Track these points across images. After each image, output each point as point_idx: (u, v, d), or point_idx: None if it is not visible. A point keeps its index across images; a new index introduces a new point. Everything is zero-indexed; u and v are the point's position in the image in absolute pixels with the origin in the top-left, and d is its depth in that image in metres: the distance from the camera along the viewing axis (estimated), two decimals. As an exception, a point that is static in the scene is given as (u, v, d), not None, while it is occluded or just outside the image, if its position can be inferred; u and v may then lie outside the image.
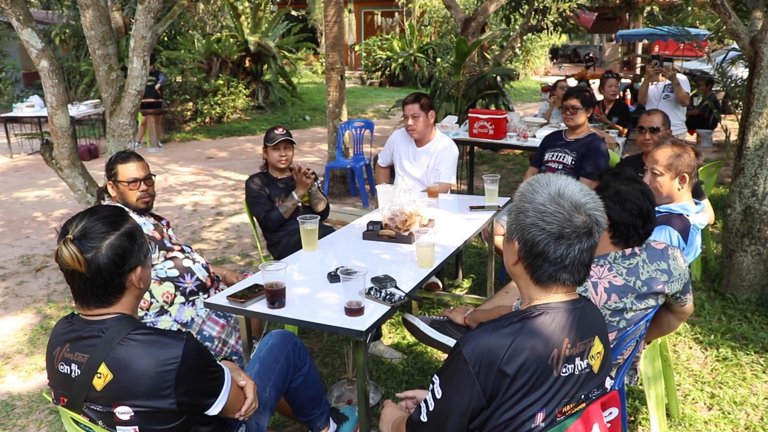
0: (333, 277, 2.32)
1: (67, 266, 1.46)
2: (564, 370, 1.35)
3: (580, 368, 1.38)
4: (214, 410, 1.57)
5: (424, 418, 1.42)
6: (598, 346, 1.43)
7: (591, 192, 1.43)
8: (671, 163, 2.48)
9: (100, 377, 1.44)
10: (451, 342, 2.31)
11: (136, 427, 1.47)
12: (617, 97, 6.30)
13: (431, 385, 1.41)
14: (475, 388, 1.32)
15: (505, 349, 1.31)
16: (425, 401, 1.43)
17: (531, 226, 1.38)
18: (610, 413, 1.49)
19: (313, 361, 2.26)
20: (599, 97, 6.53)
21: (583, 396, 1.39)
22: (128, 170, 2.69)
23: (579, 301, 1.44)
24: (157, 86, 9.25)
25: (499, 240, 3.81)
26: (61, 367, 1.50)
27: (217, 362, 1.60)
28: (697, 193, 2.95)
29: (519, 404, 1.32)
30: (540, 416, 1.33)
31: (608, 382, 1.48)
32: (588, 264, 1.42)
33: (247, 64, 12.63)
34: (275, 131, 3.47)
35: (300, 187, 3.41)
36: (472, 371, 1.32)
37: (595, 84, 11.10)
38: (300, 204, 3.51)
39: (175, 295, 2.70)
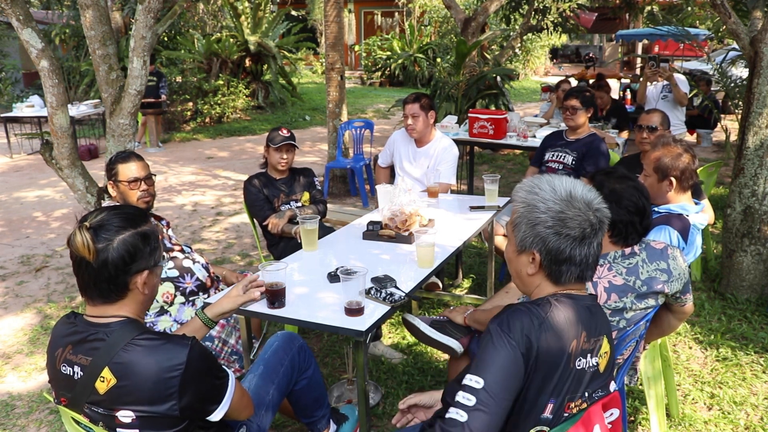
0: (333, 277, 2.32)
1: (77, 252, 1.46)
2: (578, 364, 1.37)
3: (590, 365, 1.39)
4: (217, 416, 1.56)
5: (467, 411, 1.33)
6: (605, 346, 1.44)
7: (590, 187, 1.46)
8: (658, 166, 2.47)
9: (103, 381, 1.43)
10: (451, 342, 2.31)
11: (137, 431, 1.47)
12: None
13: (466, 381, 1.35)
14: (519, 361, 1.32)
15: (538, 331, 1.33)
16: (462, 400, 1.34)
17: (553, 235, 1.39)
18: (611, 414, 1.49)
19: (317, 363, 2.26)
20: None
21: (586, 394, 1.40)
22: (129, 170, 2.69)
23: (593, 298, 1.47)
24: (163, 96, 9.28)
25: (499, 240, 3.81)
26: (64, 368, 1.49)
27: (222, 367, 1.59)
28: (696, 193, 2.95)
29: (536, 391, 1.33)
30: (550, 407, 1.34)
31: (612, 385, 1.48)
32: (599, 254, 1.46)
33: (247, 64, 12.63)
34: (279, 132, 3.44)
35: None
36: (517, 349, 1.32)
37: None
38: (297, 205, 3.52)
39: (175, 295, 2.70)
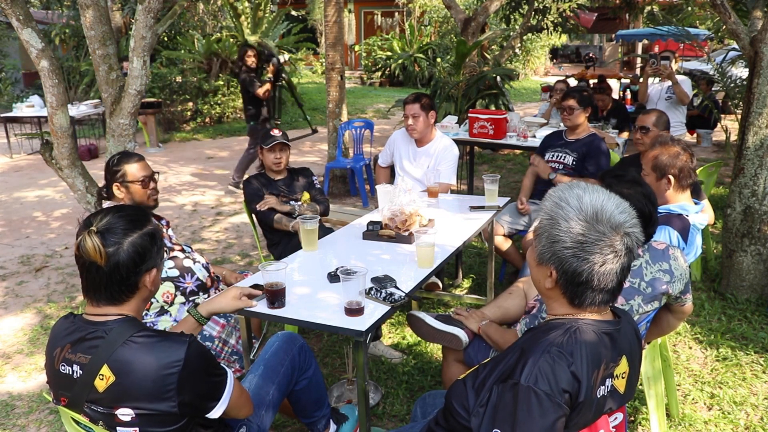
0: (333, 277, 2.32)
1: (88, 257, 1.46)
2: (599, 392, 1.31)
3: (608, 389, 1.34)
4: (216, 413, 1.56)
5: None
6: (623, 366, 1.38)
7: (625, 205, 1.34)
8: (656, 164, 2.48)
9: (102, 379, 1.43)
10: (456, 331, 2.27)
11: (137, 429, 1.47)
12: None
13: None
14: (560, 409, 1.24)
15: (570, 375, 1.25)
16: None
17: (571, 258, 1.30)
18: (615, 419, 1.48)
19: (317, 364, 2.26)
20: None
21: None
22: (138, 169, 2.69)
23: (616, 322, 1.39)
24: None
25: (499, 240, 3.81)
26: (62, 367, 1.49)
27: (221, 365, 1.59)
28: (696, 193, 2.95)
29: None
30: None
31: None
32: (624, 280, 1.35)
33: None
34: (271, 133, 3.45)
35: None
36: (562, 407, 1.24)
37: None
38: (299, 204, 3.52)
39: (176, 295, 2.70)
